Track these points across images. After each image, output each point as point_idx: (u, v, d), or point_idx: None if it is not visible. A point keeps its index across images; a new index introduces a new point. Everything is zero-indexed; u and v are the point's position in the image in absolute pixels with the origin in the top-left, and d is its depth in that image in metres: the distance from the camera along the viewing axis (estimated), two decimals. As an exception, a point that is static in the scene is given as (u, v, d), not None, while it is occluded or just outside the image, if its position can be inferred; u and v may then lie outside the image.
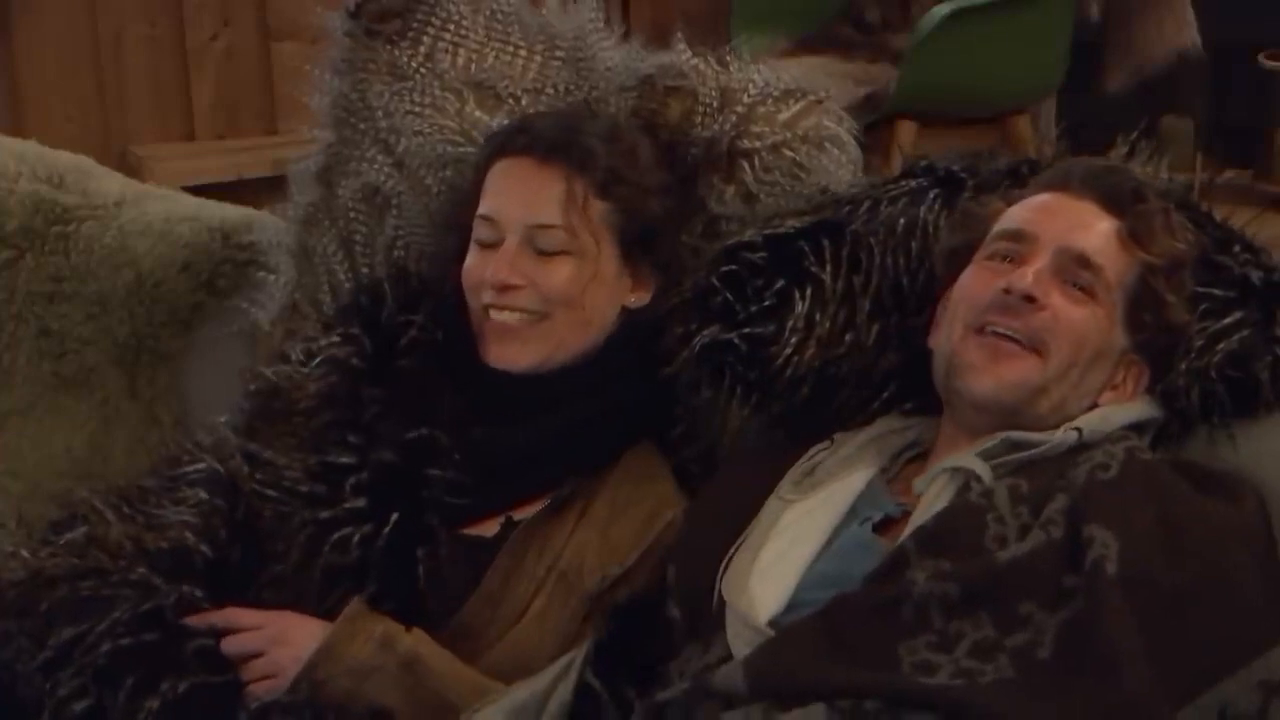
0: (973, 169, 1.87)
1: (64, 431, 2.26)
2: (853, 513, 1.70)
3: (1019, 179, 1.84)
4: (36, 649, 1.75)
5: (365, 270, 2.08)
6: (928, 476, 1.66)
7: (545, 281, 1.85)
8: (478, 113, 2.04)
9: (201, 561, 1.81)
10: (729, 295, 1.84)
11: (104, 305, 2.26)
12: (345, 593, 1.78)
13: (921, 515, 1.62)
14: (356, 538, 1.79)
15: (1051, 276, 1.67)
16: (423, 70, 2.07)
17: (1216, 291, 1.73)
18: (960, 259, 1.75)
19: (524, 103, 2.04)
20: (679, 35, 2.04)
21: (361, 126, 2.09)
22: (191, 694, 1.72)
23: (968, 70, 3.93)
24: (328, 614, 1.78)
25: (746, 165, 1.97)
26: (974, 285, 1.70)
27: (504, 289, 1.85)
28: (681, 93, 2.00)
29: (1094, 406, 1.68)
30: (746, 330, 1.83)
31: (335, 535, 1.79)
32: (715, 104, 1.99)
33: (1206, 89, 4.67)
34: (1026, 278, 1.66)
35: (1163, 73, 4.10)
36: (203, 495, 1.85)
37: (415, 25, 2.09)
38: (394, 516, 1.79)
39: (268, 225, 2.22)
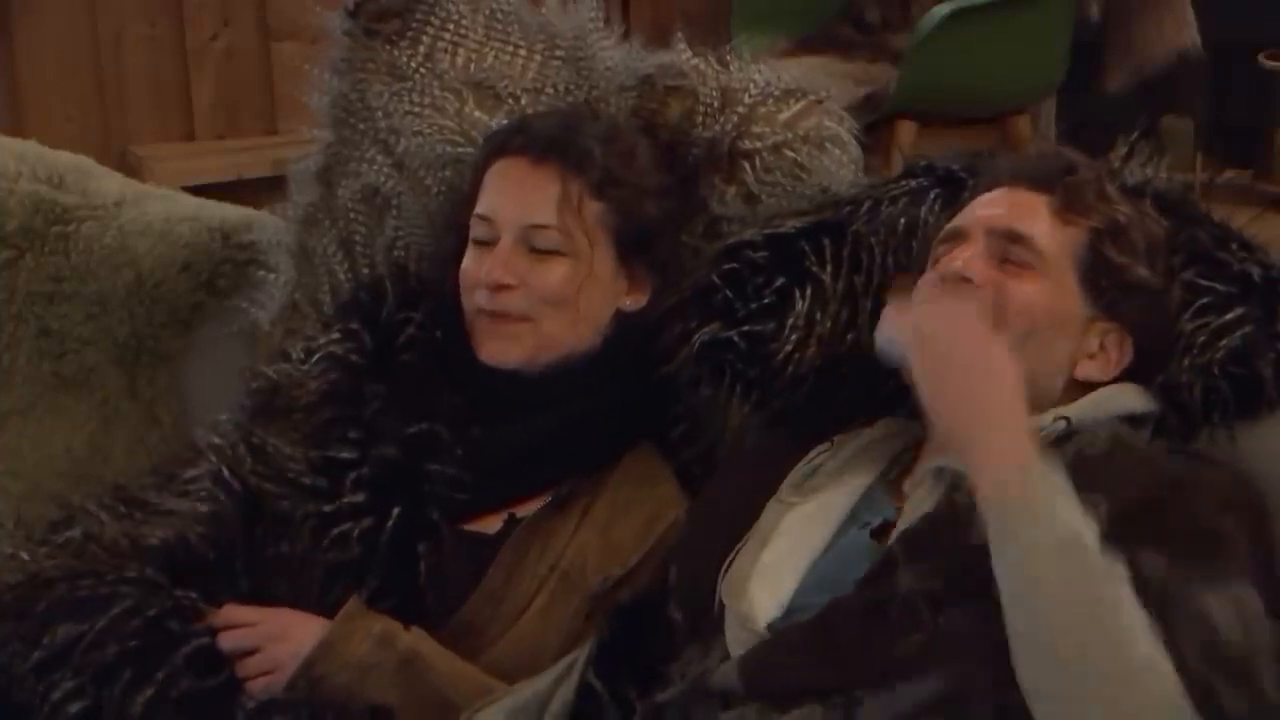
0: (973, 169, 1.87)
1: (64, 431, 2.26)
2: (853, 517, 1.69)
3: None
4: (32, 651, 1.75)
5: (365, 270, 2.08)
6: (914, 479, 1.66)
7: (539, 282, 1.85)
8: (477, 113, 2.04)
9: (201, 559, 1.81)
10: (729, 293, 1.84)
11: (104, 305, 2.26)
12: (346, 588, 1.79)
13: (909, 518, 1.61)
14: (357, 533, 1.79)
15: (987, 259, 1.68)
16: (422, 70, 2.07)
17: (1218, 287, 1.73)
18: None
19: (523, 102, 2.04)
20: (679, 35, 2.04)
21: (361, 127, 2.09)
22: (188, 694, 1.72)
23: (968, 70, 3.93)
24: (329, 610, 1.78)
25: (747, 166, 1.97)
26: (917, 292, 1.71)
27: (497, 289, 1.85)
28: (682, 93, 2.00)
29: (1072, 379, 1.68)
30: (746, 328, 1.83)
31: (336, 530, 1.79)
32: (716, 104, 1.99)
33: (1206, 89, 4.67)
34: (956, 262, 1.68)
35: (1163, 73, 4.11)
36: (203, 493, 1.85)
37: (414, 25, 2.09)
38: (395, 511, 1.79)
39: (268, 225, 2.22)
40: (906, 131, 3.89)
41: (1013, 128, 4.06)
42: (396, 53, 2.08)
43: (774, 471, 1.77)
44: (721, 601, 1.67)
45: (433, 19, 2.09)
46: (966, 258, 1.68)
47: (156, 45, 4.09)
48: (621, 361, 1.90)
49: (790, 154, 1.98)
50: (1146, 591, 1.43)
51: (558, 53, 2.07)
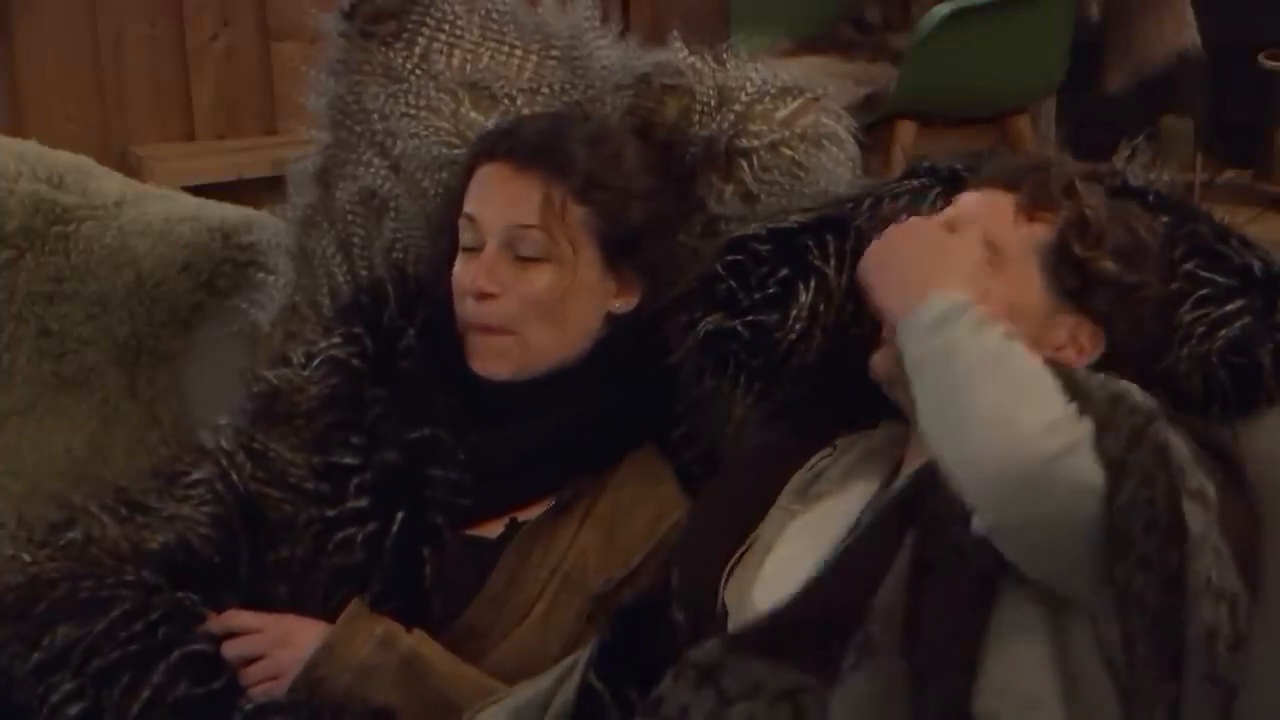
0: (974, 168, 1.87)
1: (64, 432, 2.26)
2: (857, 527, 1.68)
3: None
4: (31, 653, 1.75)
5: (364, 273, 2.08)
6: (899, 483, 1.66)
7: (523, 290, 1.84)
8: (473, 114, 2.03)
9: (203, 562, 1.81)
10: (733, 283, 1.84)
11: (104, 305, 2.26)
12: (349, 593, 1.79)
13: None
14: (360, 538, 1.79)
15: None
16: (418, 72, 2.07)
17: (1218, 279, 1.73)
18: None
19: (519, 103, 2.04)
20: (675, 34, 2.04)
21: (357, 129, 2.09)
22: (187, 698, 1.72)
23: (968, 70, 3.93)
24: (332, 614, 1.78)
25: (745, 164, 1.96)
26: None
27: (482, 297, 1.85)
28: (678, 91, 1.99)
29: None
30: (750, 318, 1.83)
31: (339, 535, 1.79)
32: (712, 103, 1.98)
33: (1206, 89, 4.67)
34: None
35: (1163, 73, 4.11)
36: (205, 496, 1.85)
37: (410, 26, 2.08)
38: (399, 516, 1.79)
39: (268, 226, 2.22)
40: (906, 132, 3.90)
41: (1013, 128, 4.06)
42: (392, 54, 2.08)
43: (776, 474, 1.78)
44: (725, 607, 1.67)
45: (428, 20, 2.09)
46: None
47: (156, 45, 4.10)
48: (617, 363, 1.89)
49: (788, 152, 1.97)
50: None
51: (553, 52, 2.07)
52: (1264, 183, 4.75)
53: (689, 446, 1.94)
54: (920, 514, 1.53)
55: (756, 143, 1.96)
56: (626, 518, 1.85)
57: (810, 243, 1.85)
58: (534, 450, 1.87)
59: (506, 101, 2.04)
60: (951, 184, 1.86)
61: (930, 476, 1.53)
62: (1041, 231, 1.69)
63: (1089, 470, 1.41)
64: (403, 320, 1.92)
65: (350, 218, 2.09)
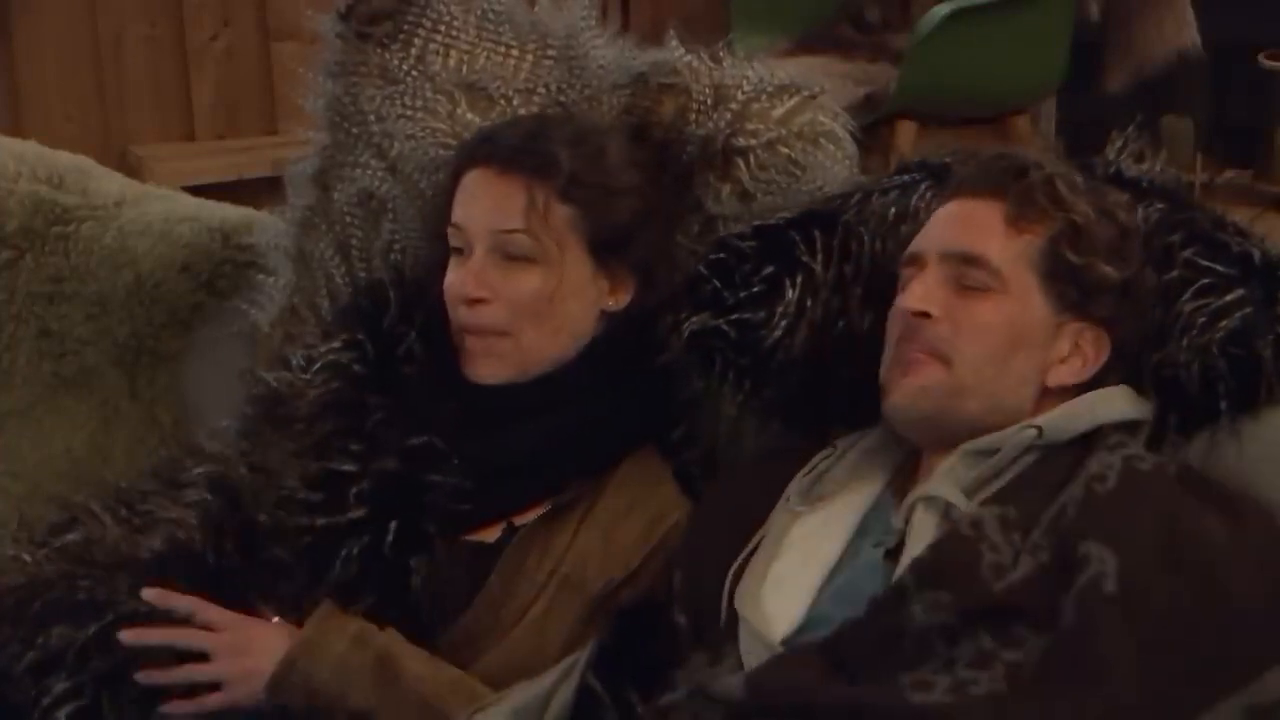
0: (964, 160, 1.86)
1: (64, 432, 2.26)
2: (865, 527, 1.69)
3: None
4: (27, 652, 1.75)
5: (362, 275, 2.08)
6: (904, 509, 1.65)
7: (512, 293, 1.84)
8: (470, 115, 2.03)
9: (203, 564, 1.81)
10: (717, 283, 1.84)
11: (104, 306, 2.26)
12: (347, 600, 1.78)
13: (914, 544, 1.60)
14: (357, 549, 1.79)
15: (944, 285, 1.68)
16: (414, 73, 2.07)
17: (1218, 268, 1.72)
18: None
19: (516, 103, 2.03)
20: (671, 33, 2.03)
21: (354, 130, 2.08)
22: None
23: (968, 70, 3.93)
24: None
25: (742, 163, 1.96)
26: (891, 319, 1.73)
27: (472, 303, 1.85)
28: (675, 90, 1.99)
29: (1044, 388, 1.67)
30: (736, 316, 1.83)
31: (336, 543, 1.79)
32: (709, 101, 1.98)
33: (1206, 89, 4.67)
34: (912, 297, 1.68)
35: (1163, 73, 4.11)
36: (205, 497, 1.85)
37: (406, 27, 2.08)
38: (393, 525, 1.79)
39: (268, 226, 2.22)
40: (906, 131, 3.90)
41: (1013, 128, 4.06)
42: (388, 55, 2.08)
43: (777, 476, 1.77)
44: (733, 611, 1.67)
45: (424, 21, 2.08)
46: (922, 292, 1.67)
47: (156, 45, 4.10)
48: (613, 363, 1.89)
49: (785, 150, 1.97)
50: None
51: (550, 52, 2.06)
52: (1264, 183, 4.75)
53: (688, 448, 1.94)
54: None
55: (753, 141, 1.96)
56: (625, 520, 1.85)
57: (797, 238, 1.85)
58: (531, 454, 1.87)
59: (503, 102, 2.04)
60: (940, 178, 1.86)
61: None
62: (1031, 244, 1.68)
63: None
64: (403, 325, 1.92)
65: (348, 219, 2.09)
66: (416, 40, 2.08)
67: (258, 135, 4.16)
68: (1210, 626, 1.49)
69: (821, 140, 1.99)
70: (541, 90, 2.05)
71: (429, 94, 2.06)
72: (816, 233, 1.85)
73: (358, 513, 1.80)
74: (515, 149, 1.86)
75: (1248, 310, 1.69)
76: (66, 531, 1.87)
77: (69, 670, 1.74)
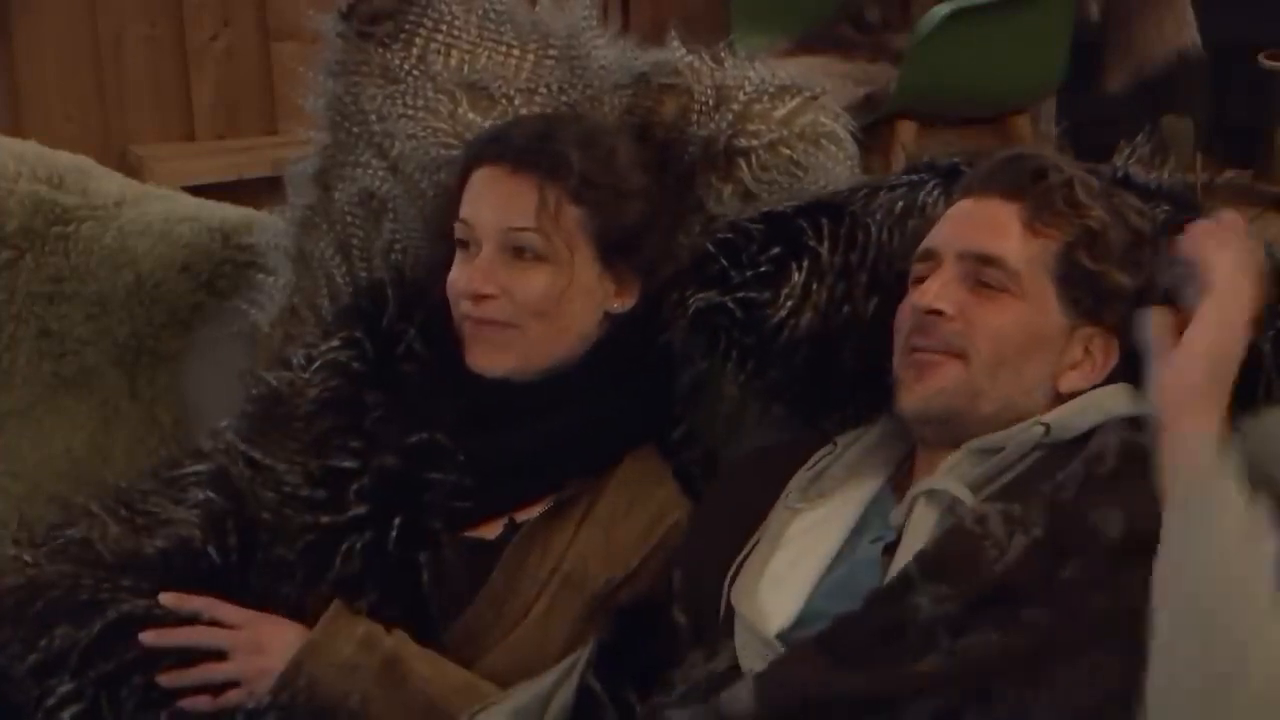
0: (973, 163, 1.87)
1: (64, 432, 2.26)
2: (863, 525, 1.69)
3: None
4: (29, 653, 1.75)
5: (363, 274, 2.08)
6: (905, 504, 1.65)
7: (520, 291, 1.84)
8: (471, 114, 2.03)
9: (201, 564, 1.81)
10: (725, 261, 1.84)
11: (104, 306, 2.26)
12: (350, 598, 1.78)
13: (913, 538, 1.60)
14: (360, 545, 1.79)
15: (959, 283, 1.67)
16: (415, 72, 2.07)
17: None
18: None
19: (517, 103, 2.03)
20: (673, 33, 2.03)
21: (355, 130, 2.08)
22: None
23: (968, 70, 3.93)
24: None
25: (743, 163, 1.96)
26: (900, 313, 1.73)
27: (478, 299, 1.85)
28: (676, 91, 1.99)
29: (1056, 393, 1.67)
30: (742, 294, 1.83)
31: (338, 541, 1.79)
32: (710, 102, 1.98)
33: (1206, 89, 4.67)
34: (928, 294, 1.68)
35: (1163, 73, 4.11)
36: (208, 496, 1.85)
37: (407, 27, 2.08)
38: (396, 522, 1.79)
39: (267, 226, 2.22)
40: (906, 132, 3.90)
41: (1013, 128, 4.07)
42: (389, 55, 2.08)
43: (777, 474, 1.77)
44: (730, 606, 1.66)
45: (425, 20, 2.08)
46: (937, 289, 1.67)
47: (156, 45, 4.09)
48: (615, 364, 1.89)
49: (786, 151, 1.97)
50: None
51: (551, 52, 2.06)
52: (1264, 183, 4.75)
53: (688, 447, 1.94)
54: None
55: (755, 142, 1.96)
56: (625, 518, 1.85)
57: (805, 225, 1.85)
58: (533, 452, 1.87)
59: (504, 102, 2.04)
60: (949, 178, 1.86)
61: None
62: (1047, 248, 1.68)
63: None
64: (402, 324, 1.92)
65: (349, 219, 2.09)
66: (418, 40, 2.08)
67: (258, 135, 4.16)
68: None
69: (823, 141, 1.99)
70: (543, 90, 2.05)
71: (430, 93, 2.06)
72: (824, 220, 1.85)
73: (359, 510, 1.80)
74: (527, 148, 1.86)
75: None
76: (66, 532, 1.86)
77: (71, 671, 1.74)
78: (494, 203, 1.86)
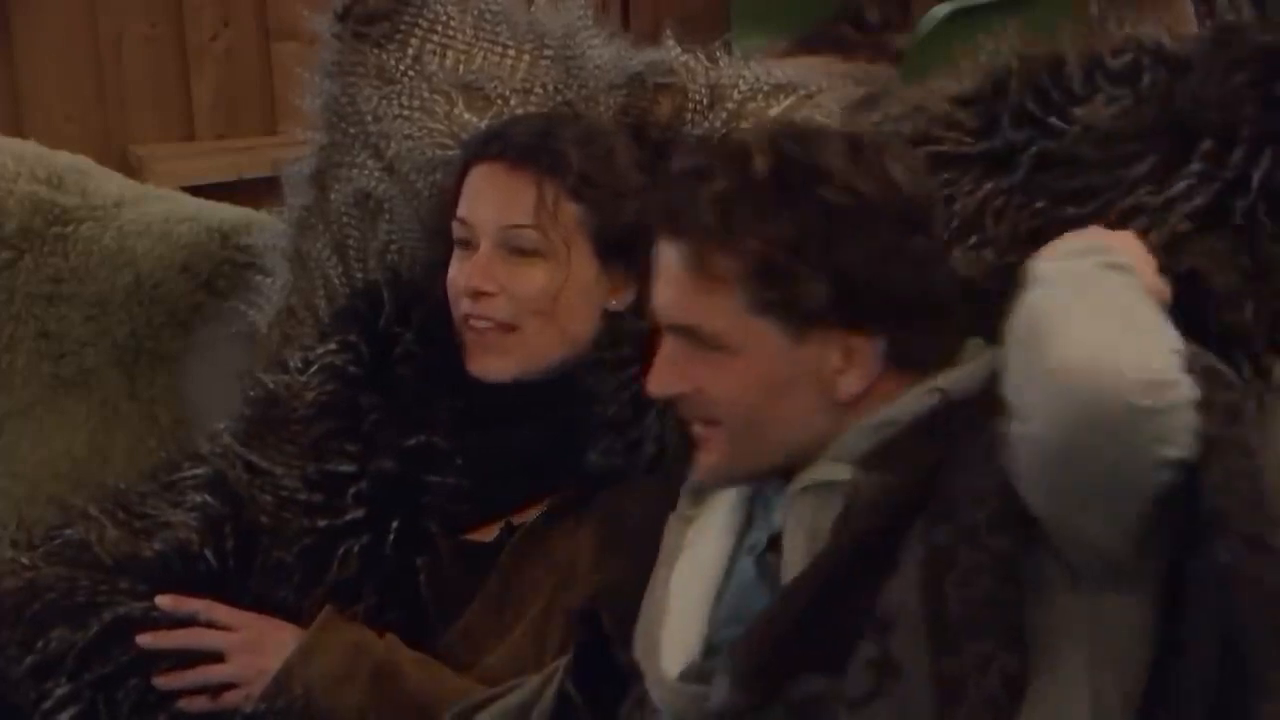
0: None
1: (63, 433, 2.26)
2: (750, 520, 1.60)
3: None
4: (26, 655, 1.75)
5: (359, 275, 2.08)
6: (787, 500, 1.56)
7: (519, 288, 1.84)
8: (467, 115, 2.03)
9: (204, 566, 1.81)
10: None
11: (103, 306, 2.26)
12: (348, 601, 1.79)
13: (794, 541, 1.52)
14: (357, 549, 1.79)
15: (685, 361, 1.55)
16: (411, 73, 2.07)
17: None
18: None
19: (513, 103, 2.04)
20: (668, 32, 2.04)
21: (352, 131, 2.09)
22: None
23: (968, 70, 3.92)
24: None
25: (739, 163, 1.96)
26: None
27: (477, 296, 1.85)
28: (671, 90, 2.00)
29: (841, 404, 1.53)
30: None
31: (336, 545, 1.79)
32: (705, 101, 1.99)
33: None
34: (655, 384, 1.58)
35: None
36: (206, 499, 1.86)
37: (403, 28, 2.08)
38: (394, 525, 1.79)
39: (267, 227, 2.22)
40: (907, 131, 3.89)
41: (1013, 127, 4.05)
42: (385, 56, 2.08)
43: (677, 480, 1.67)
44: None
45: (421, 21, 2.09)
46: (663, 377, 1.56)
47: (156, 45, 4.09)
48: (614, 361, 1.89)
49: (781, 150, 1.97)
50: None
51: (547, 52, 2.07)
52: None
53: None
54: (923, 508, 1.45)
55: (750, 140, 1.96)
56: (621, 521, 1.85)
57: None
58: (530, 455, 1.87)
59: (500, 102, 2.04)
60: None
61: (927, 475, 1.47)
62: (731, 293, 1.52)
63: (1179, 436, 1.34)
64: (399, 326, 1.92)
65: (345, 220, 2.09)
66: (413, 40, 2.08)
67: (258, 135, 4.14)
68: None
69: (818, 139, 1.99)
70: (538, 90, 2.05)
71: (426, 94, 2.06)
72: None
73: (357, 513, 1.80)
74: (526, 146, 1.86)
75: None
76: (65, 534, 1.87)
77: (69, 673, 1.74)
78: (492, 200, 1.86)
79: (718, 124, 1.97)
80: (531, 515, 1.85)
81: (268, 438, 1.89)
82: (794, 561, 1.51)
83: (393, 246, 2.06)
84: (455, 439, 1.85)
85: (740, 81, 2.00)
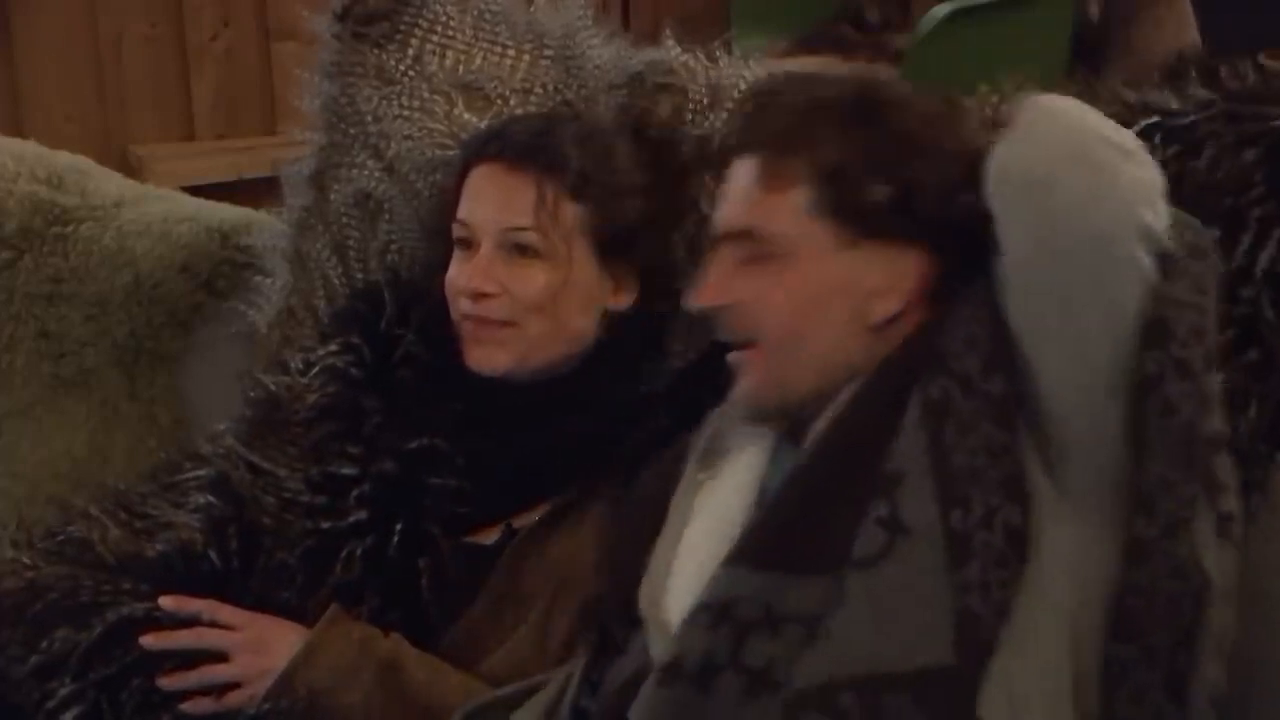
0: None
1: (63, 433, 2.26)
2: (770, 479, 1.61)
3: None
4: (30, 655, 1.75)
5: (359, 276, 2.08)
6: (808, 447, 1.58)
7: (519, 289, 1.84)
8: (467, 115, 2.03)
9: (207, 567, 1.82)
10: None
11: (103, 306, 2.27)
12: (348, 604, 1.79)
13: None
14: (359, 551, 1.79)
15: (735, 268, 1.61)
16: (411, 73, 2.07)
17: None
18: None
19: (513, 104, 2.04)
20: (668, 32, 2.04)
21: (351, 131, 2.09)
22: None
23: (968, 70, 3.92)
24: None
25: (739, 162, 1.97)
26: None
27: (478, 297, 1.85)
28: (671, 90, 2.00)
29: (872, 330, 1.56)
30: None
31: (338, 547, 1.80)
32: (705, 101, 1.99)
33: (1206, 88, 4.66)
34: (704, 296, 1.63)
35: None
36: (209, 500, 1.86)
37: (402, 28, 2.08)
38: (398, 527, 1.79)
39: (266, 227, 2.23)
40: (907, 131, 3.88)
41: (1013, 127, 4.05)
42: (385, 56, 2.08)
43: (680, 456, 1.69)
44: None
45: (420, 21, 2.09)
46: (710, 289, 1.60)
47: (156, 45, 4.09)
48: (616, 362, 1.89)
49: (781, 150, 1.97)
50: None
51: (546, 52, 2.07)
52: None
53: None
54: (920, 368, 1.48)
55: (750, 140, 1.96)
56: (623, 521, 1.85)
57: None
58: (532, 457, 1.87)
59: (500, 102, 2.04)
60: None
61: (919, 345, 1.50)
62: (797, 198, 1.58)
63: (1153, 198, 1.42)
64: (399, 328, 1.92)
65: (345, 220, 2.10)
66: (413, 41, 2.08)
67: (257, 135, 4.14)
68: None
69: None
70: (538, 90, 2.05)
71: (426, 94, 2.06)
72: None
73: (359, 515, 1.80)
74: (526, 145, 1.86)
75: None
76: (66, 533, 1.87)
77: (72, 674, 1.74)
78: (492, 200, 1.86)
79: (718, 124, 1.97)
80: (533, 517, 1.85)
81: (269, 439, 1.89)
82: None
83: (393, 247, 2.07)
84: (457, 441, 1.85)
85: (740, 81, 1.99)
